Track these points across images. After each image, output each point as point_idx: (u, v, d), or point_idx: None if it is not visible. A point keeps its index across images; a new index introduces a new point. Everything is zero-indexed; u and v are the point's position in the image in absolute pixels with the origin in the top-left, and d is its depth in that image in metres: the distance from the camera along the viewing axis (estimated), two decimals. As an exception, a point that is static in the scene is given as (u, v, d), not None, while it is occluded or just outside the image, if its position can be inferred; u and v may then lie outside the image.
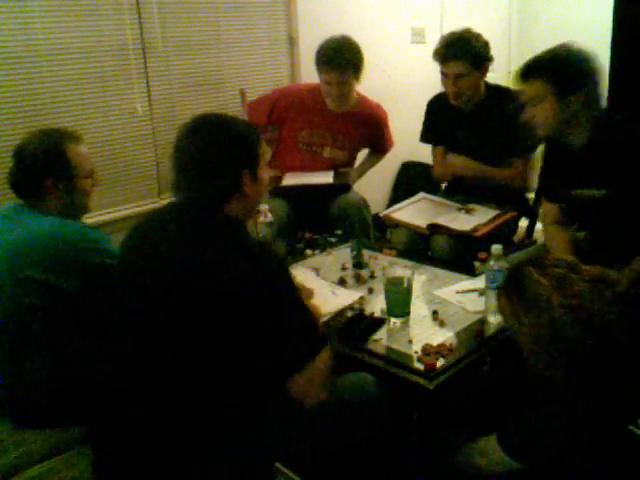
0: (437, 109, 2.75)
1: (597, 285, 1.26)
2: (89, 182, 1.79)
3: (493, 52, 2.58)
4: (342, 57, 2.66)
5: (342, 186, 2.88)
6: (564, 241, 2.06)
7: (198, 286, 1.27)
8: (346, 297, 1.89)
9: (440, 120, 2.73)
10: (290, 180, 2.83)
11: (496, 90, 2.63)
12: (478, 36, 2.50)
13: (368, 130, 2.98)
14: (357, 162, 3.15)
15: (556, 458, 1.27)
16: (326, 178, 2.84)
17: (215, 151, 1.40)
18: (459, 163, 2.61)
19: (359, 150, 3.08)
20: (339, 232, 2.64)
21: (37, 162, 1.69)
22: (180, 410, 1.30)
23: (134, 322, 1.36)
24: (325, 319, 1.75)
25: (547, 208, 2.20)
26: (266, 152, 3.02)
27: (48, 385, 1.58)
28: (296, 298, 1.37)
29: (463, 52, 2.44)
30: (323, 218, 2.83)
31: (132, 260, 1.43)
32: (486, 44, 2.51)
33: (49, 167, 1.70)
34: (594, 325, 1.22)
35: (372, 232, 2.92)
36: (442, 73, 2.54)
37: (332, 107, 2.87)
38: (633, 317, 1.26)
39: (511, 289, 1.34)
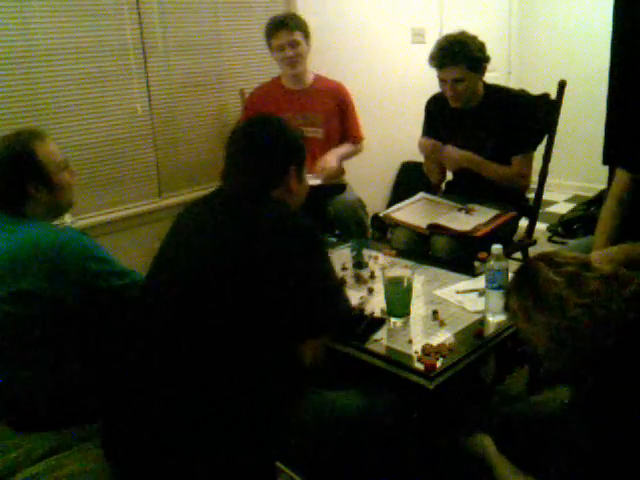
0: (436, 109, 2.75)
1: (611, 283, 1.23)
2: (66, 175, 1.75)
3: (493, 52, 2.57)
4: (288, 19, 2.88)
5: (337, 187, 2.88)
6: (613, 221, 2.01)
7: (242, 259, 1.36)
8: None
9: (439, 119, 2.73)
10: None
11: (494, 90, 2.62)
12: (474, 38, 2.46)
13: (332, 102, 2.99)
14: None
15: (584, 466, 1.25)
16: (315, 180, 2.82)
17: (269, 143, 1.55)
18: (460, 154, 2.57)
19: (334, 131, 3.02)
20: (339, 232, 2.64)
21: (11, 171, 1.66)
22: (187, 405, 1.31)
23: (167, 300, 1.40)
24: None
25: (618, 178, 2.09)
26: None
27: (47, 390, 1.58)
28: (330, 271, 1.49)
29: (459, 57, 2.40)
30: (320, 219, 2.84)
31: (177, 243, 1.52)
32: (482, 46, 2.47)
33: (24, 173, 1.66)
34: (613, 324, 1.20)
35: (369, 232, 2.92)
36: (439, 79, 2.53)
37: (291, 78, 2.94)
38: None
39: (523, 287, 1.31)
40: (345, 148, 3.05)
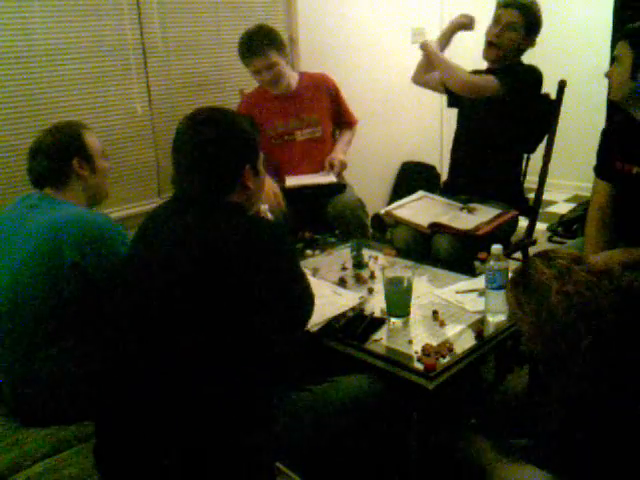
0: None
1: (598, 276, 1.28)
2: (105, 163, 1.92)
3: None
4: (256, 43, 2.71)
5: (337, 186, 2.88)
6: (600, 232, 2.04)
7: (208, 268, 1.31)
8: (347, 300, 1.89)
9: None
10: (292, 181, 2.83)
11: (520, 64, 2.66)
12: (540, 10, 2.62)
13: (323, 96, 2.96)
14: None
15: (576, 452, 1.27)
16: (329, 177, 2.84)
17: (218, 144, 1.44)
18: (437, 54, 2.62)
19: (331, 126, 3.01)
20: (339, 232, 2.64)
21: (62, 146, 1.83)
22: (183, 406, 1.31)
23: (144, 309, 1.37)
24: (326, 320, 1.75)
25: (597, 188, 2.12)
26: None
27: (63, 380, 1.59)
28: (298, 268, 1.46)
29: (526, 7, 2.55)
30: (320, 219, 2.84)
31: (141, 254, 1.47)
32: (541, 20, 2.62)
33: (73, 148, 1.84)
34: (587, 311, 1.25)
35: (369, 233, 2.91)
36: (494, 20, 2.59)
37: (276, 92, 2.88)
38: (630, 306, 1.28)
39: (518, 279, 1.37)
40: (346, 138, 3.06)
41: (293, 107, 2.91)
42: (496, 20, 2.58)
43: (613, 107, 2.19)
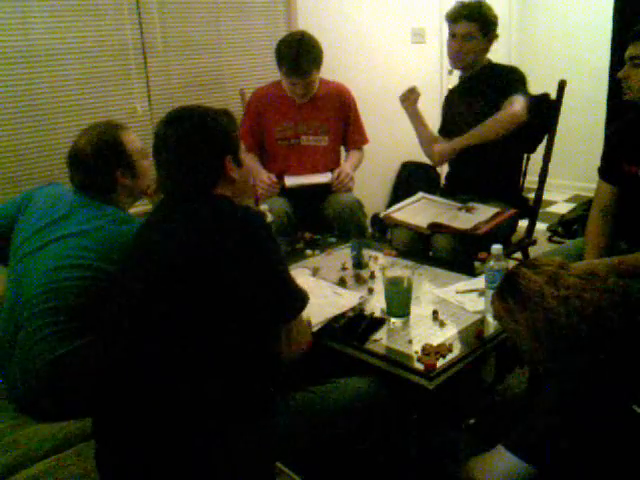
0: (447, 103, 2.85)
1: (586, 278, 1.31)
2: (146, 162, 1.88)
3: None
4: (304, 62, 2.67)
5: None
6: (602, 233, 2.04)
7: (200, 264, 1.31)
8: (347, 300, 1.89)
9: (449, 112, 2.80)
10: (291, 181, 2.84)
11: (497, 65, 2.69)
12: (490, 7, 2.61)
13: (337, 107, 2.95)
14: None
15: (566, 448, 1.27)
16: (325, 178, 2.84)
17: (194, 137, 1.44)
18: (452, 143, 2.60)
19: (339, 136, 2.99)
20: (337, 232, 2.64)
21: (103, 158, 1.78)
22: (181, 404, 1.31)
23: (140, 310, 1.37)
24: (326, 320, 1.75)
25: (600, 190, 2.12)
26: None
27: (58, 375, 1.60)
28: (280, 259, 1.44)
29: (474, 14, 2.55)
30: (319, 219, 2.84)
31: (135, 258, 1.47)
32: (496, 17, 2.61)
33: (114, 159, 1.79)
34: (588, 313, 1.27)
35: (368, 233, 2.91)
36: (450, 35, 2.62)
37: (298, 100, 2.88)
38: (626, 304, 1.30)
39: (505, 291, 1.38)
40: (356, 157, 3.03)
41: (305, 112, 2.89)
42: (452, 35, 2.61)
43: (619, 108, 2.18)
